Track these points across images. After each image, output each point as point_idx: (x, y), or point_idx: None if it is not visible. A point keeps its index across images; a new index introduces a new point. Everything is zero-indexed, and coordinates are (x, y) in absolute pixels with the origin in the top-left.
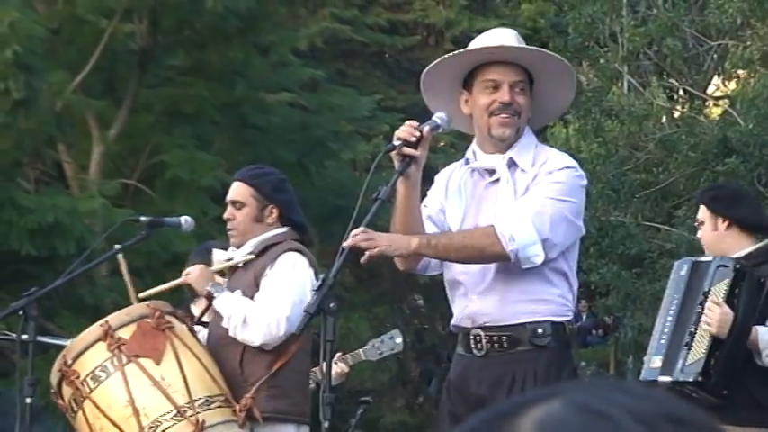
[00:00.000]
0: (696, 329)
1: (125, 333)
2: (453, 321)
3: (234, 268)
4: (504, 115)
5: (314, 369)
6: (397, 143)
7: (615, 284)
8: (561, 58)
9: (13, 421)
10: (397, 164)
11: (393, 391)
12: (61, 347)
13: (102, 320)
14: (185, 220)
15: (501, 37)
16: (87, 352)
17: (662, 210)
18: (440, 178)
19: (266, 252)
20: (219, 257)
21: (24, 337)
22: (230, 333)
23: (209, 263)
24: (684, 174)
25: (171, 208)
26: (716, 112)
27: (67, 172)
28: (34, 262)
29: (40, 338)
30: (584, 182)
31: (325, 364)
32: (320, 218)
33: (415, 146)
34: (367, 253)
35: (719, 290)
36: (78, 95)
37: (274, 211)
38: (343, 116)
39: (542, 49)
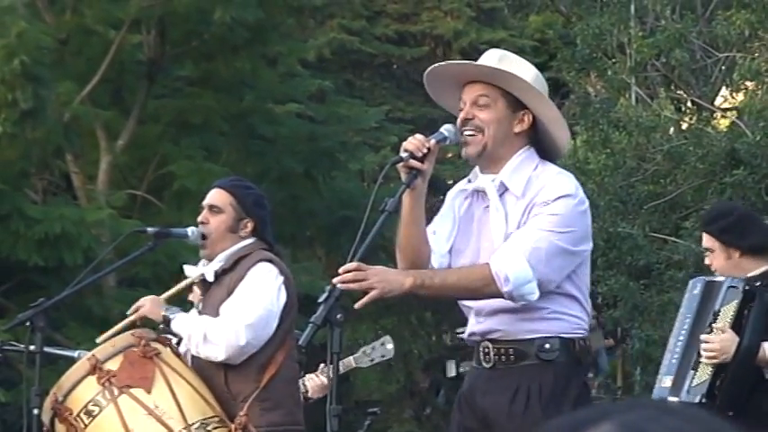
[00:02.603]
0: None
1: (113, 365)
2: (465, 335)
3: (207, 284)
4: (466, 133)
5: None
6: (404, 155)
7: (623, 296)
8: (510, 72)
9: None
10: (403, 176)
11: (401, 403)
12: (69, 358)
13: (88, 354)
14: (192, 230)
15: (483, 57)
16: (78, 387)
17: (669, 221)
18: (449, 196)
19: (237, 265)
20: (190, 273)
21: (32, 347)
22: (193, 352)
23: None
24: (692, 185)
25: (179, 219)
26: (724, 123)
27: (75, 182)
28: (41, 272)
29: (47, 349)
30: (584, 206)
31: (329, 375)
32: (328, 228)
33: (421, 159)
34: (362, 300)
35: (728, 311)
36: (86, 106)
37: (249, 224)
38: (350, 127)
39: (490, 66)
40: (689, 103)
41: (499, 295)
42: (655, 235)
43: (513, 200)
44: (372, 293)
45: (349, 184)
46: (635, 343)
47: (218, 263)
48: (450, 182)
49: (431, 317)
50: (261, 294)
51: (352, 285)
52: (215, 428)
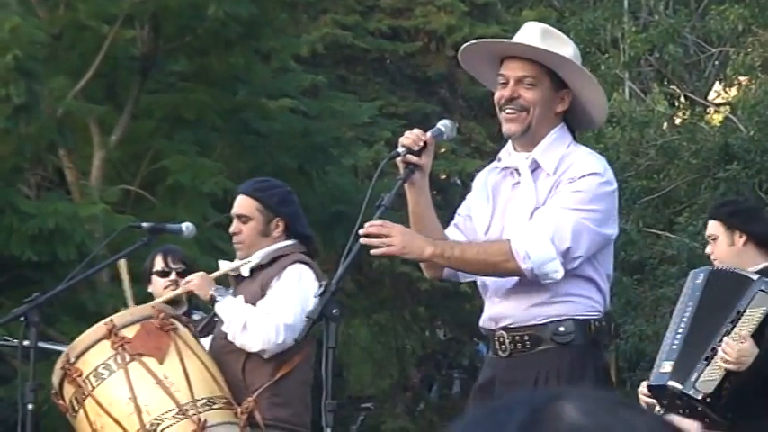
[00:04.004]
0: (718, 347)
1: (129, 332)
2: (480, 323)
3: (240, 278)
4: (509, 111)
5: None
6: (401, 150)
7: (616, 291)
8: (564, 55)
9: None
10: (401, 171)
11: (394, 398)
12: (62, 354)
13: (106, 319)
14: (186, 226)
15: (524, 31)
16: (91, 350)
17: (663, 216)
18: (477, 181)
19: (274, 263)
20: (225, 268)
21: (26, 343)
22: (230, 337)
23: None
24: (686, 180)
25: (172, 214)
26: (717, 118)
27: (69, 178)
28: (35, 267)
29: (41, 344)
30: (611, 187)
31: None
32: (321, 224)
33: (418, 153)
34: (380, 250)
35: (753, 316)
36: (79, 101)
37: (280, 224)
38: (344, 122)
39: (545, 49)
40: (682, 98)
41: (518, 273)
42: (648, 230)
43: (544, 176)
44: (391, 248)
45: (342, 179)
46: (628, 338)
47: (256, 258)
48: (444, 177)
49: (424, 312)
50: (299, 296)
51: (375, 241)
52: (220, 408)
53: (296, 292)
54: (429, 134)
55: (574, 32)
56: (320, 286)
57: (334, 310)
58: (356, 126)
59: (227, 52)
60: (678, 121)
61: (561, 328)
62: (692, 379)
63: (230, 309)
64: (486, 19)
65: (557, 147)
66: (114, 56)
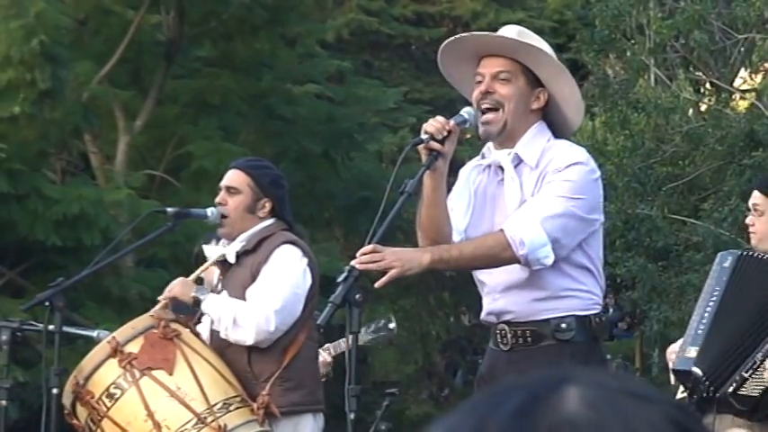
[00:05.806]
0: (764, 361)
1: (134, 347)
2: (482, 316)
3: (228, 265)
4: (485, 106)
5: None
6: (424, 137)
7: (641, 277)
8: (536, 45)
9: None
10: (424, 157)
11: (418, 384)
12: (87, 338)
13: (109, 337)
14: (211, 211)
15: (502, 32)
16: (99, 370)
17: (688, 203)
18: (463, 172)
19: (260, 246)
20: (210, 252)
21: (51, 327)
22: (222, 335)
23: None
24: (711, 167)
25: (196, 199)
26: (742, 105)
27: (93, 163)
28: (60, 252)
29: (66, 329)
30: (596, 174)
31: (346, 354)
32: (346, 209)
33: (442, 141)
34: (382, 280)
35: None
36: (105, 86)
37: (267, 204)
38: (369, 108)
39: (522, 41)
40: (708, 85)
41: (516, 260)
42: (673, 216)
43: (528, 170)
44: (392, 272)
45: (367, 164)
46: (653, 324)
47: (239, 243)
48: (467, 162)
49: (449, 297)
50: (287, 278)
51: (370, 266)
52: (237, 408)
53: (282, 276)
54: (453, 122)
55: (599, 18)
56: (312, 267)
57: (357, 296)
58: (381, 112)
59: (253, 37)
60: (703, 107)
61: (563, 325)
62: (731, 390)
63: (217, 306)
64: (511, 4)
65: (538, 140)
66: (139, 41)
